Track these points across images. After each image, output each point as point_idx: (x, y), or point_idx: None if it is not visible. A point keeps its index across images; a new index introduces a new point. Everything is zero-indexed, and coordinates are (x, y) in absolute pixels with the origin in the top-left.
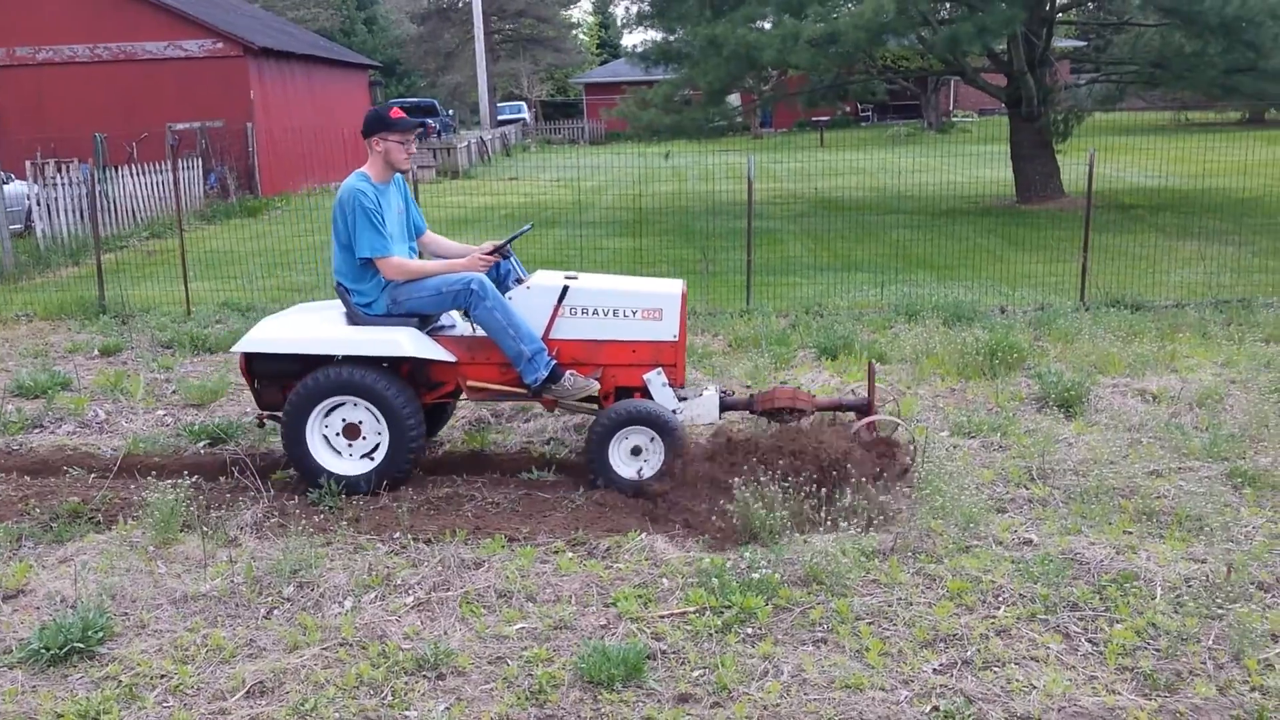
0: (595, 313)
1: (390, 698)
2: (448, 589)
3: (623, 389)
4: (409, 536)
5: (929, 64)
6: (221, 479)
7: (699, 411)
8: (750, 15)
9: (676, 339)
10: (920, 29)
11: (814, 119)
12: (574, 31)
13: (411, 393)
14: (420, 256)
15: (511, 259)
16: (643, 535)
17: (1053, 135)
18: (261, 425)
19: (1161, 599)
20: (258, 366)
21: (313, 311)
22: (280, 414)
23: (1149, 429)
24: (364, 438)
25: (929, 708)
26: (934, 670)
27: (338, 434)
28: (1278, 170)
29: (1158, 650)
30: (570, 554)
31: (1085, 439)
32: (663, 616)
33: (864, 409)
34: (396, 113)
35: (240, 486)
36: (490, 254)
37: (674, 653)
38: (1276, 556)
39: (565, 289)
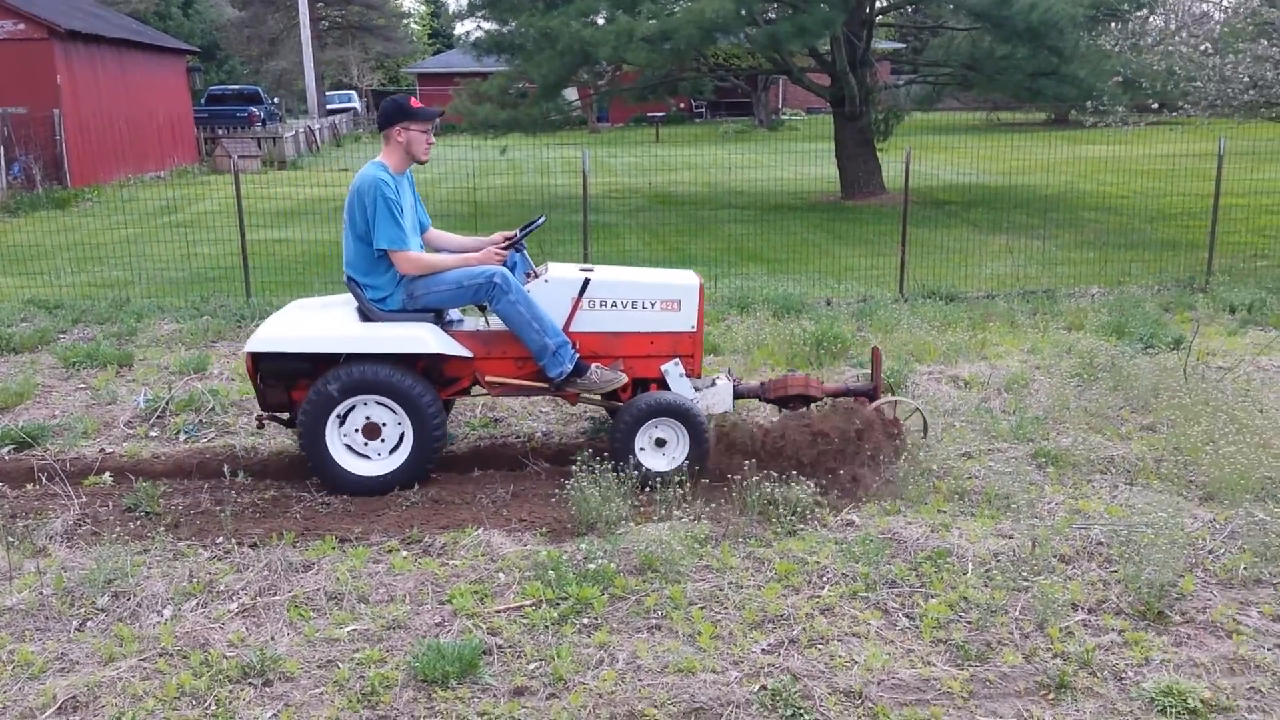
0: (615, 305)
1: (214, 707)
2: (275, 593)
3: (640, 380)
4: (233, 541)
5: (759, 63)
6: (29, 486)
7: (714, 401)
8: (584, 9)
9: (695, 330)
10: (749, 28)
11: (649, 115)
12: (405, 20)
13: (432, 388)
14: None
15: (523, 251)
16: (479, 531)
17: (874, 134)
18: (261, 427)
19: (973, 573)
20: (265, 366)
21: (315, 308)
22: (281, 415)
23: (961, 413)
24: (383, 439)
25: (758, 686)
26: (763, 650)
27: (357, 430)
28: (1079, 168)
29: (969, 622)
30: (405, 552)
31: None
32: (499, 611)
33: (871, 394)
34: (417, 102)
35: (49, 493)
36: (505, 247)
37: (510, 647)
38: (1077, 531)
39: (587, 281)
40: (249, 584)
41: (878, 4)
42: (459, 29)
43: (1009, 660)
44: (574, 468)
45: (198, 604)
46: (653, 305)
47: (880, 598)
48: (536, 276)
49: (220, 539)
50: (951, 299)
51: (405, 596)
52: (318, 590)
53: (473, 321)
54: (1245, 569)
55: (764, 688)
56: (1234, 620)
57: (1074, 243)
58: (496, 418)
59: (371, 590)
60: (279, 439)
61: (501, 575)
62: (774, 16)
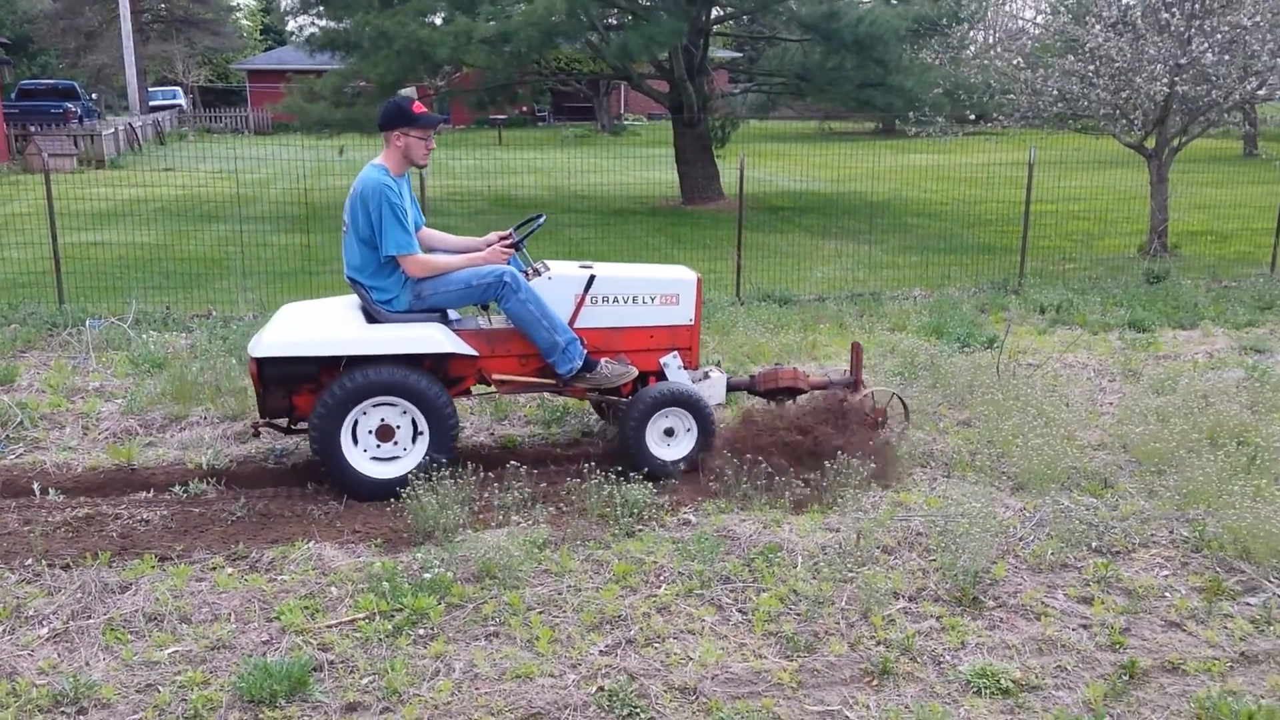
0: (617, 300)
1: None
2: (89, 616)
3: (640, 374)
4: (43, 563)
5: (600, 68)
6: None
7: (710, 392)
8: (421, 9)
9: (693, 323)
10: (589, 34)
11: (491, 118)
12: (234, 15)
13: (444, 388)
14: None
15: (522, 251)
16: (310, 544)
17: (712, 140)
18: (257, 434)
19: (802, 567)
20: (269, 371)
21: (312, 311)
22: (279, 422)
23: None
24: (396, 441)
25: (595, 688)
26: (600, 651)
27: (371, 434)
28: (905, 176)
29: (798, 614)
30: (230, 569)
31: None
32: (330, 626)
33: (852, 386)
34: (419, 107)
35: None
36: (508, 246)
37: (342, 662)
38: (899, 522)
39: (593, 278)
40: (60, 607)
41: (715, 14)
42: (291, 25)
43: (835, 649)
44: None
45: (4, 630)
46: (653, 300)
47: (715, 594)
48: (536, 274)
49: (29, 561)
50: (785, 302)
51: (230, 615)
52: (136, 611)
53: (472, 321)
54: (1052, 554)
55: (601, 689)
56: (1042, 604)
57: (898, 247)
58: None
59: (194, 610)
60: (94, 453)
61: (334, 589)
62: (614, 22)
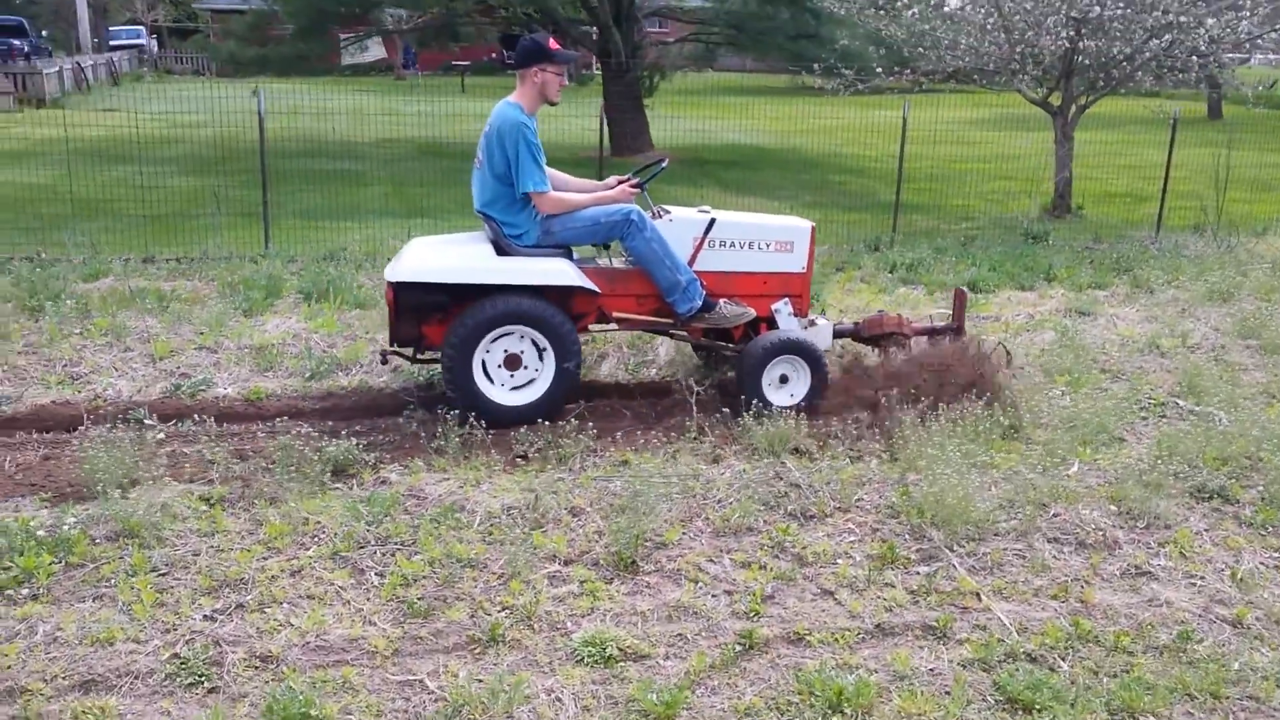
0: (734, 245)
1: None
2: None
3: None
4: None
5: (529, 11)
6: None
7: (817, 339)
8: None
9: (805, 271)
10: None
11: (454, 63)
12: None
13: (570, 320)
14: None
15: (644, 193)
16: None
17: (642, 91)
18: (385, 362)
19: (475, 529)
20: (405, 297)
21: (443, 243)
22: (405, 351)
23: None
24: (525, 367)
25: (169, 655)
26: (204, 617)
27: (500, 365)
28: (848, 134)
29: (439, 579)
30: None
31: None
32: None
33: (956, 332)
34: (555, 44)
35: None
36: (634, 186)
37: None
38: (598, 483)
39: (713, 221)
40: None
41: None
42: None
43: (452, 616)
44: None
45: None
46: (768, 246)
47: (360, 557)
48: (657, 216)
49: None
50: None
51: None
52: None
53: (593, 260)
54: (741, 517)
55: (176, 656)
56: (699, 569)
57: (815, 203)
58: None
59: None
60: None
61: None
62: None
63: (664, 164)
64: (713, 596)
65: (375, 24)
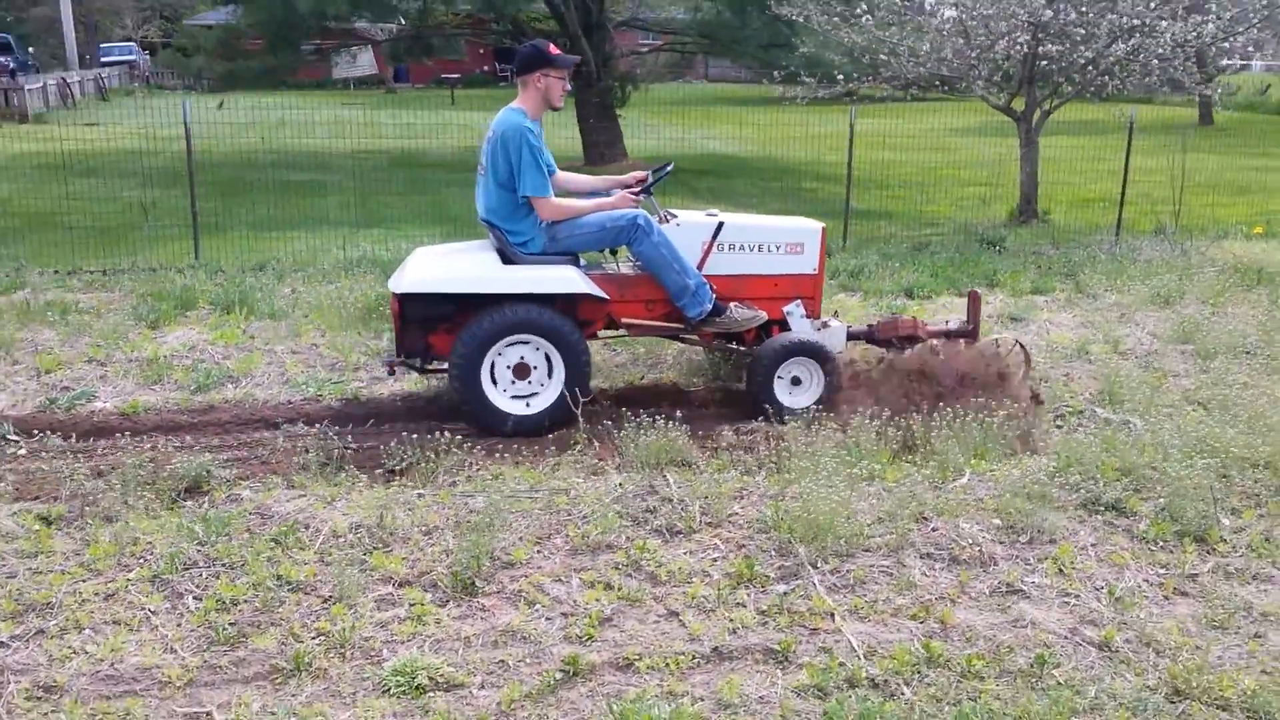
0: (743, 248)
1: None
2: None
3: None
4: None
5: (499, 25)
6: None
7: (830, 341)
8: None
9: (816, 272)
10: None
11: (443, 76)
12: None
13: (578, 328)
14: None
15: (650, 197)
16: None
17: (615, 100)
18: (392, 373)
19: (315, 549)
20: (410, 308)
21: (448, 252)
22: (412, 362)
23: None
24: (532, 379)
25: None
26: (2, 642)
27: (509, 370)
28: (828, 141)
29: (258, 604)
30: None
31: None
32: None
33: (971, 334)
34: (556, 49)
35: None
36: (637, 192)
37: None
38: (461, 500)
39: (721, 224)
40: None
41: None
42: None
43: (262, 644)
44: None
45: None
46: (778, 248)
47: (182, 580)
48: (664, 221)
49: None
50: None
51: None
52: None
53: (600, 266)
54: (602, 534)
55: None
56: (541, 590)
57: (777, 211)
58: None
59: None
60: None
61: None
62: None
63: (669, 168)
64: (547, 620)
65: (347, 38)
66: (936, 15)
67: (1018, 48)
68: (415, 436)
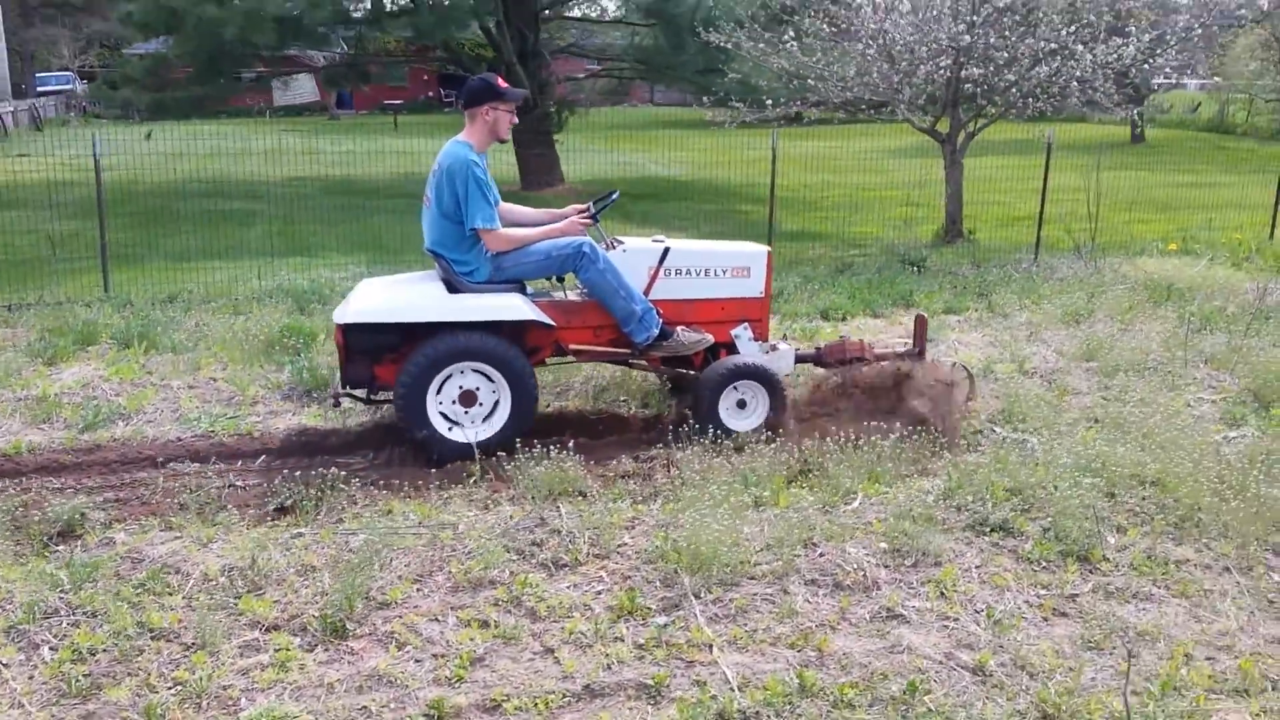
0: (689, 273)
1: None
2: None
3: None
4: None
5: (434, 51)
6: None
7: (778, 364)
8: None
9: (763, 296)
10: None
11: (388, 102)
12: None
13: (524, 355)
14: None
15: (597, 224)
16: None
17: (552, 126)
18: (337, 405)
19: (183, 593)
20: (355, 339)
21: (394, 282)
22: (357, 392)
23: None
24: (480, 404)
25: None
26: None
27: (454, 401)
28: (765, 165)
29: (116, 655)
30: None
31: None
32: None
33: (917, 357)
34: (504, 82)
35: None
36: (587, 218)
37: None
38: (343, 535)
39: (667, 250)
40: None
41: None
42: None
43: (115, 695)
44: None
45: None
46: (725, 272)
47: (40, 630)
48: (611, 247)
49: None
50: None
51: None
52: None
53: (547, 294)
54: (485, 569)
55: None
56: (414, 631)
57: (708, 234)
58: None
59: None
60: None
61: None
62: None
63: (615, 196)
64: (416, 662)
65: (286, 65)
66: (862, 40)
67: (941, 72)
68: (300, 474)
